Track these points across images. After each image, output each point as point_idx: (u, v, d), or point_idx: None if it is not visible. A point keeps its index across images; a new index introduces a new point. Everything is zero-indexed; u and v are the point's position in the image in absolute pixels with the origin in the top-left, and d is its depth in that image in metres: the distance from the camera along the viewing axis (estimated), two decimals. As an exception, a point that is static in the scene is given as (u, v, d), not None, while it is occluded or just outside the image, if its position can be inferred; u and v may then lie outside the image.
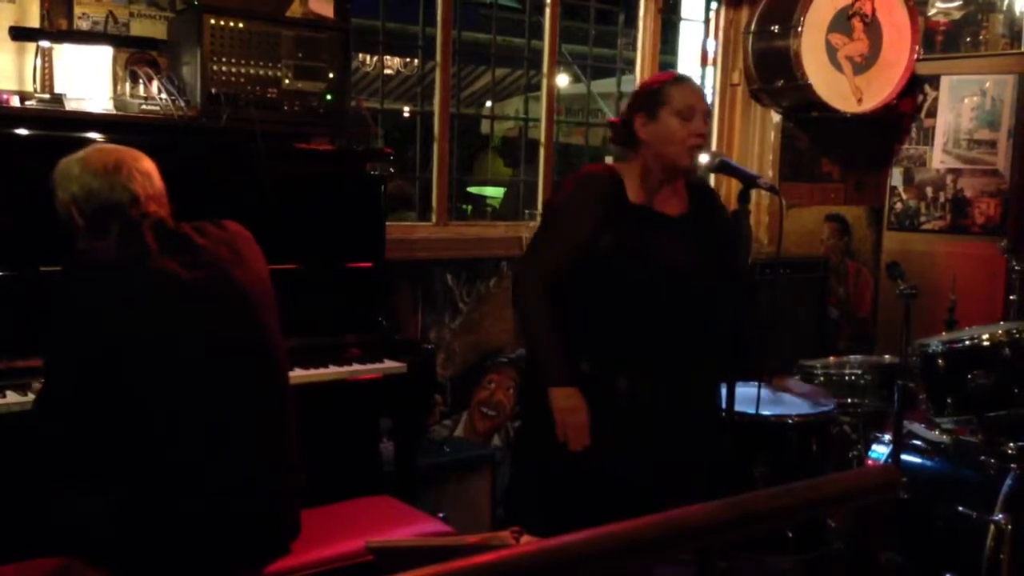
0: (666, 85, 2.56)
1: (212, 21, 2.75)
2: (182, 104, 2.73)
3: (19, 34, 2.71)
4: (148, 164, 2.17)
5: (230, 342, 2.08)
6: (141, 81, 2.78)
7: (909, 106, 4.84)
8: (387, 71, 5.90)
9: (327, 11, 3.26)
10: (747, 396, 2.69)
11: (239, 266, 2.13)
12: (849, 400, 3.49)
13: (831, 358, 3.70)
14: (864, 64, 4.49)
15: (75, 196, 2.09)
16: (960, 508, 3.01)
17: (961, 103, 4.72)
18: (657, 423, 2.51)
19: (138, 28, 2.99)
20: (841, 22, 4.41)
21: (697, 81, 4.82)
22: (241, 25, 2.80)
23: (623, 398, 2.50)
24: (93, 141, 2.61)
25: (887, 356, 3.68)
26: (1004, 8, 4.58)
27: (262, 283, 2.18)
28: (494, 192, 8.11)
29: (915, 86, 4.75)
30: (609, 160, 2.77)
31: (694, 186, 2.69)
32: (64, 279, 2.03)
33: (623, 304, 2.51)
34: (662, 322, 2.53)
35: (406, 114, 4.41)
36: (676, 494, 2.60)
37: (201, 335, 2.04)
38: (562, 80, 5.78)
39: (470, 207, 7.70)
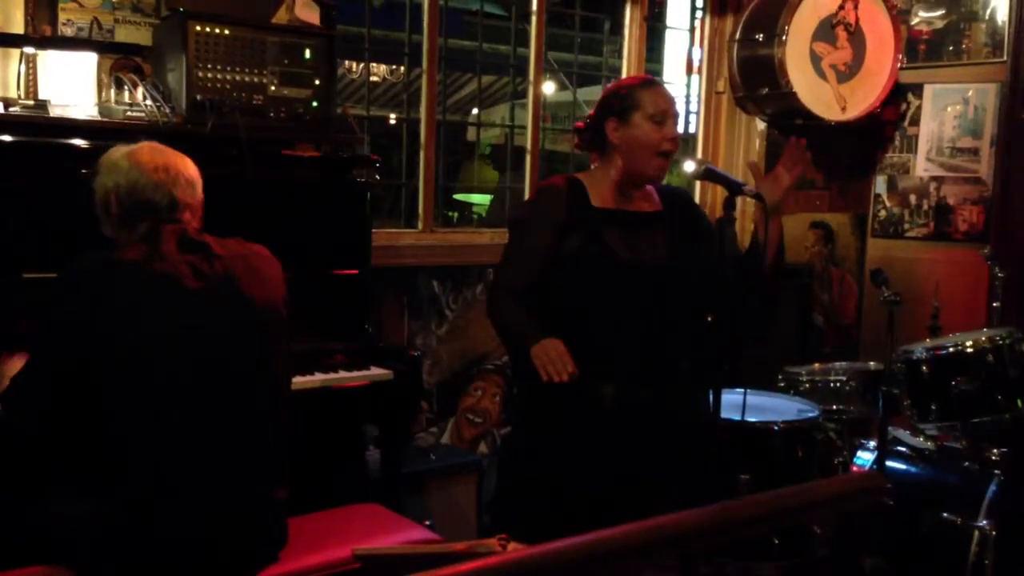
0: (637, 89, 2.58)
1: (197, 28, 2.74)
2: (167, 110, 2.73)
3: (3, 40, 2.70)
4: (194, 172, 2.19)
5: (227, 352, 2.08)
6: (126, 87, 2.77)
7: (892, 114, 4.87)
8: (373, 78, 5.90)
9: (313, 18, 3.26)
10: (732, 402, 2.69)
11: (252, 282, 2.14)
12: (834, 406, 3.50)
13: (816, 365, 3.71)
14: (848, 73, 4.51)
15: (119, 186, 2.11)
16: (944, 514, 3.02)
17: (944, 111, 4.75)
18: (642, 428, 2.51)
19: (123, 34, 2.98)
20: (825, 31, 4.44)
21: (683, 88, 4.87)
22: (226, 32, 2.79)
23: (608, 403, 2.50)
24: (78, 147, 2.61)
25: (872, 363, 3.70)
26: (986, 17, 4.61)
27: (273, 302, 2.18)
28: (480, 199, 8.11)
29: (898, 94, 4.78)
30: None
31: (664, 189, 2.70)
32: (70, 271, 2.02)
33: (598, 304, 2.51)
34: (639, 319, 2.53)
35: (392, 121, 4.40)
36: (662, 497, 2.60)
37: (198, 343, 2.04)
38: (548, 87, 5.79)
39: (456, 214, 7.69)
